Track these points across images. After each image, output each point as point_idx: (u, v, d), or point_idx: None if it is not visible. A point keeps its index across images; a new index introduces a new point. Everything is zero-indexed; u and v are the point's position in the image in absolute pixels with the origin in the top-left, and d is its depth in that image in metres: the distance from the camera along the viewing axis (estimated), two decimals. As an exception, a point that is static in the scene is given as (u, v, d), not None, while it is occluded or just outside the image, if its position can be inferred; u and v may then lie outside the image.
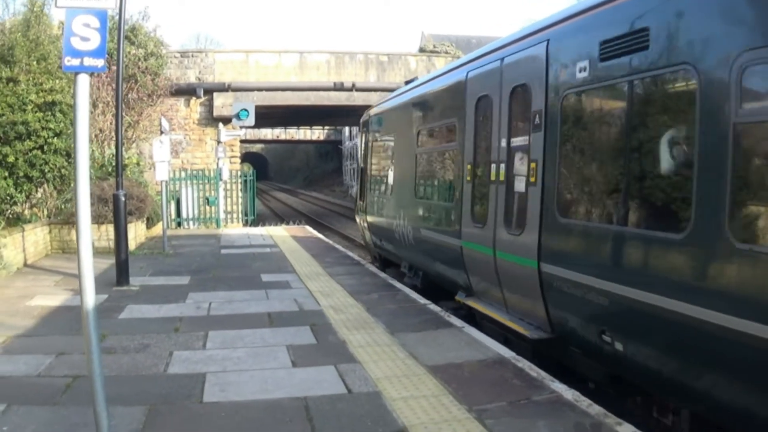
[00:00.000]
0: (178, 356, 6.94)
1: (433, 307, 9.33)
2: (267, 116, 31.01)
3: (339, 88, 27.42)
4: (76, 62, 4.39)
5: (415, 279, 11.77)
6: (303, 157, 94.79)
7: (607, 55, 5.79)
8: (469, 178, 8.81)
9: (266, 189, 72.25)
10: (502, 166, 7.77)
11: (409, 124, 11.82)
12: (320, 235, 20.50)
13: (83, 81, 4.46)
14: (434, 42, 37.81)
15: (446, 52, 31.60)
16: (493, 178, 8.03)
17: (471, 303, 8.85)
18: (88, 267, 4.53)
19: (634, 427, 4.82)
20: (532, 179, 6.97)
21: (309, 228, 23.53)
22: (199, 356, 6.97)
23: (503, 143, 7.80)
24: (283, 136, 66.73)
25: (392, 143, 13.41)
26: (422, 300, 9.80)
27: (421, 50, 36.28)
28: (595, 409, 5.15)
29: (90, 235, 4.59)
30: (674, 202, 5.08)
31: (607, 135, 6.15)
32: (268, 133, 62.01)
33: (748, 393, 4.38)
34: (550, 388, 5.72)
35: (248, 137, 56.12)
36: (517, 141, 7.56)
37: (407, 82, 14.13)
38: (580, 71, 6.22)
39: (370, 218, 14.82)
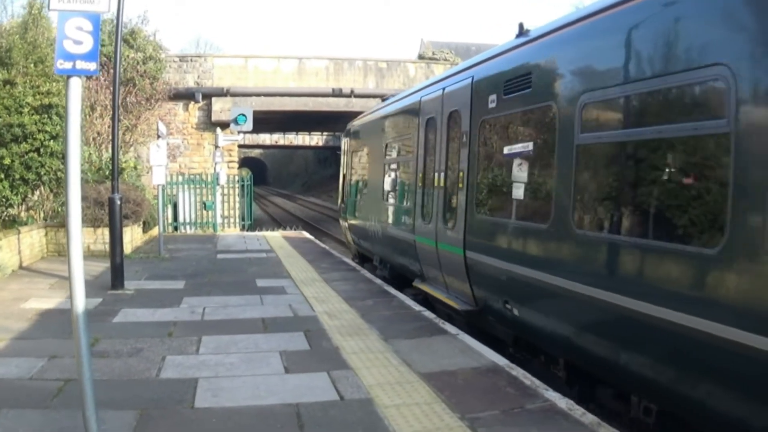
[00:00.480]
0: (171, 361, 6.91)
1: (427, 314, 9.31)
2: (265, 121, 31.03)
3: (338, 94, 27.45)
4: (68, 65, 4.39)
5: (384, 270, 13.61)
6: (301, 163, 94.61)
7: (508, 92, 7.64)
8: (420, 185, 10.65)
9: (265, 194, 72.21)
10: (442, 174, 9.69)
11: (379, 137, 13.73)
12: (317, 241, 20.49)
13: (75, 84, 4.44)
14: (433, 49, 37.93)
15: (445, 59, 31.68)
16: (435, 184, 9.92)
17: (423, 287, 10.64)
18: (79, 271, 4.49)
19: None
20: (460, 185, 8.86)
21: (306, 233, 23.50)
22: (192, 361, 6.94)
23: (443, 156, 9.72)
24: (281, 142, 66.52)
25: (366, 154, 15.30)
26: (417, 307, 9.78)
27: (420, 57, 36.34)
28: (589, 418, 5.13)
29: (80, 240, 4.55)
30: (541, 201, 6.90)
31: (500, 151, 8.00)
32: (266, 139, 61.71)
33: (588, 337, 6.12)
34: (543, 397, 5.70)
35: (247, 142, 55.94)
36: (452, 155, 9.43)
37: (383, 100, 15.98)
38: (491, 102, 8.08)
39: (350, 219, 16.64)
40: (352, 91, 27.42)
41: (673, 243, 4.90)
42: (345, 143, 17.99)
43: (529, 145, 7.24)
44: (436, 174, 9.93)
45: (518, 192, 7.32)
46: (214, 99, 26.23)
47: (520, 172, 7.33)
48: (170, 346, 7.48)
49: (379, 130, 13.80)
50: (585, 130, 6.02)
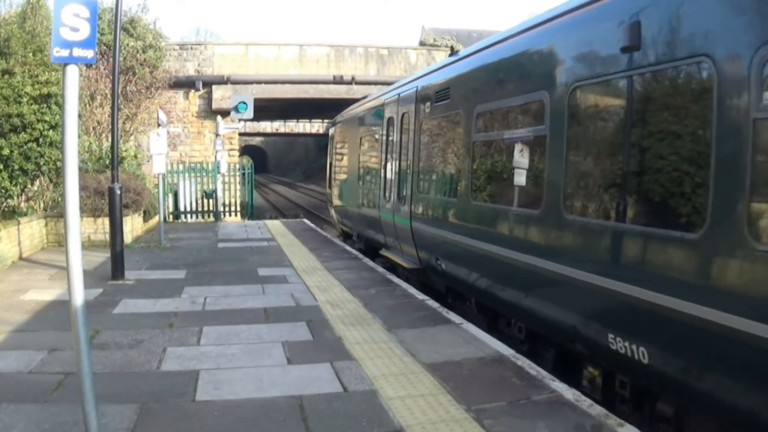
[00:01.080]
0: (172, 352, 6.84)
1: (431, 303, 9.22)
2: (266, 109, 30.91)
3: (339, 81, 27.32)
4: (65, 53, 4.26)
5: (360, 243, 16.17)
6: (302, 150, 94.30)
7: (438, 100, 9.95)
8: (383, 171, 13.13)
9: (265, 182, 72.10)
10: (397, 163, 12.11)
11: (355, 131, 16.34)
12: (318, 229, 20.37)
13: (72, 72, 4.33)
14: (435, 36, 37.72)
15: (446, 46, 31.45)
16: (393, 171, 12.39)
17: (386, 254, 13.08)
18: (77, 263, 4.39)
19: (636, 428, 4.72)
20: (408, 172, 11.31)
21: (307, 221, 23.40)
22: (193, 353, 6.87)
23: (397, 148, 12.11)
24: (282, 129, 66.27)
25: (346, 145, 17.85)
26: (420, 296, 9.69)
27: (422, 44, 36.12)
28: (596, 410, 5.05)
29: (79, 231, 4.46)
30: (456, 183, 9.16)
31: (434, 146, 10.60)
32: (267, 126, 61.49)
33: (483, 281, 8.44)
34: (550, 388, 5.61)
35: (248, 130, 55.75)
36: (404, 148, 11.73)
37: (363, 98, 17.88)
38: (427, 107, 10.43)
39: (334, 202, 19.49)
40: (353, 78, 27.28)
41: (517, 208, 7.31)
42: (330, 134, 20.61)
43: (449, 141, 9.83)
44: (394, 163, 12.36)
45: (442, 176, 10.09)
46: (214, 87, 26.11)
47: (443, 161, 10.17)
48: (171, 338, 7.41)
49: (355, 125, 16.48)
50: (477, 132, 8.45)
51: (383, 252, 13.34)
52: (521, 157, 7.22)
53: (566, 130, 6.21)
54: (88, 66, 19.84)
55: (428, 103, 10.32)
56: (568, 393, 5.45)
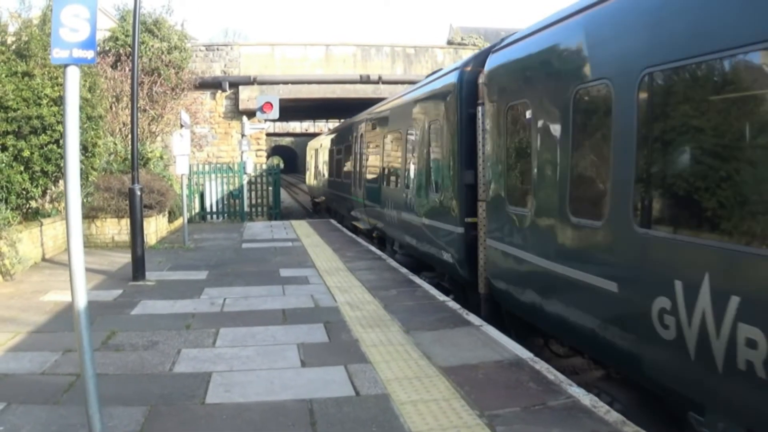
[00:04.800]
0: (186, 354, 6.79)
1: (452, 304, 9.06)
2: (293, 109, 30.88)
3: (365, 80, 27.18)
4: (64, 54, 4.22)
5: (342, 222, 22.81)
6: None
7: (373, 124, 16.93)
8: (354, 169, 19.81)
9: (295, 182, 72.08)
10: (357, 165, 18.88)
11: (333, 143, 25.95)
12: (344, 229, 20.30)
13: (73, 73, 4.28)
14: (462, 34, 37.37)
15: (474, 45, 31.19)
16: (356, 169, 19.13)
17: (356, 223, 19.31)
18: (79, 266, 4.39)
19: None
20: (361, 170, 18.02)
21: (333, 221, 23.34)
22: (208, 354, 6.80)
23: (358, 156, 18.92)
24: (311, 129, 66.49)
25: (334, 151, 25.71)
26: (441, 297, 9.54)
27: (449, 43, 35.87)
28: (613, 416, 4.85)
29: (81, 234, 4.45)
30: (376, 173, 16.05)
31: (369, 153, 17.16)
32: (296, 127, 61.77)
33: (395, 230, 14.42)
34: (567, 393, 5.43)
35: (277, 130, 56.13)
36: (359, 155, 18.63)
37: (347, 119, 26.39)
38: (366, 128, 17.88)
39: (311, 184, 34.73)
40: (379, 78, 27.13)
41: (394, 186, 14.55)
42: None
43: (378, 150, 15.97)
44: (357, 164, 19.16)
45: (368, 168, 17.19)
46: (241, 87, 26.11)
47: (374, 162, 16.52)
48: (187, 339, 7.36)
49: (338, 137, 24.96)
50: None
51: (355, 223, 19.92)
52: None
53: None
54: (113, 67, 20.00)
55: (367, 125, 18.07)
56: (586, 399, 5.27)
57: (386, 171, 15.08)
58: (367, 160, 17.56)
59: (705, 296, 4.36)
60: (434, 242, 11.03)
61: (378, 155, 15.94)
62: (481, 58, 9.49)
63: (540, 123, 7.12)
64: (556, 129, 6.74)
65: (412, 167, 12.50)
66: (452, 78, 10.20)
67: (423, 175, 11.70)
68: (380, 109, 16.51)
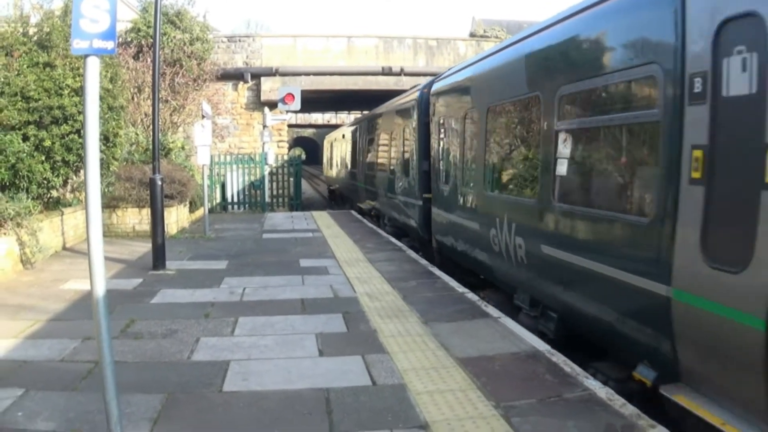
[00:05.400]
0: (205, 343, 6.83)
1: (470, 296, 9.03)
2: (315, 101, 30.93)
3: (387, 72, 27.10)
4: (85, 45, 4.23)
5: (350, 206, 26.54)
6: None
7: (369, 126, 21.73)
8: (353, 161, 25.32)
9: (316, 173, 72.09)
10: (360, 156, 23.12)
11: (343, 139, 30.85)
12: (364, 220, 20.30)
13: (93, 64, 4.29)
14: (485, 27, 37.14)
15: (496, 37, 30.97)
16: (353, 164, 25.02)
17: (360, 204, 22.64)
18: (98, 255, 4.45)
19: (667, 429, 4.50)
20: (360, 160, 23.42)
21: (354, 212, 23.37)
22: (226, 343, 6.84)
23: (350, 154, 26.38)
24: (333, 121, 66.48)
25: (337, 148, 33.25)
26: (460, 288, 9.50)
27: (472, 35, 35.68)
28: (629, 410, 4.81)
29: (100, 223, 4.50)
30: (372, 164, 20.73)
31: (367, 148, 21.92)
32: (318, 118, 61.77)
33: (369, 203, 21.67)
34: (583, 385, 5.39)
35: (299, 122, 56.19)
36: (353, 153, 25.17)
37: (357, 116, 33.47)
38: (364, 128, 22.71)
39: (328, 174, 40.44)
40: (401, 70, 27.04)
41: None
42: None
43: (373, 145, 19.93)
44: (359, 157, 23.52)
45: (346, 166, 27.42)
46: (263, 79, 26.17)
47: (371, 155, 20.63)
48: (205, 328, 7.40)
49: (345, 134, 29.72)
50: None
51: (358, 205, 24.38)
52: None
53: None
54: (135, 58, 20.09)
55: (351, 129, 26.36)
56: (601, 391, 5.22)
57: (378, 162, 19.79)
58: (366, 153, 22.41)
59: (504, 224, 8.50)
60: (406, 213, 15.37)
61: (373, 150, 20.85)
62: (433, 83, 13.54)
63: (450, 131, 11.82)
64: (457, 134, 11.20)
65: (393, 159, 17.12)
66: (415, 96, 14.45)
67: (400, 165, 16.14)
68: (373, 113, 21.76)
